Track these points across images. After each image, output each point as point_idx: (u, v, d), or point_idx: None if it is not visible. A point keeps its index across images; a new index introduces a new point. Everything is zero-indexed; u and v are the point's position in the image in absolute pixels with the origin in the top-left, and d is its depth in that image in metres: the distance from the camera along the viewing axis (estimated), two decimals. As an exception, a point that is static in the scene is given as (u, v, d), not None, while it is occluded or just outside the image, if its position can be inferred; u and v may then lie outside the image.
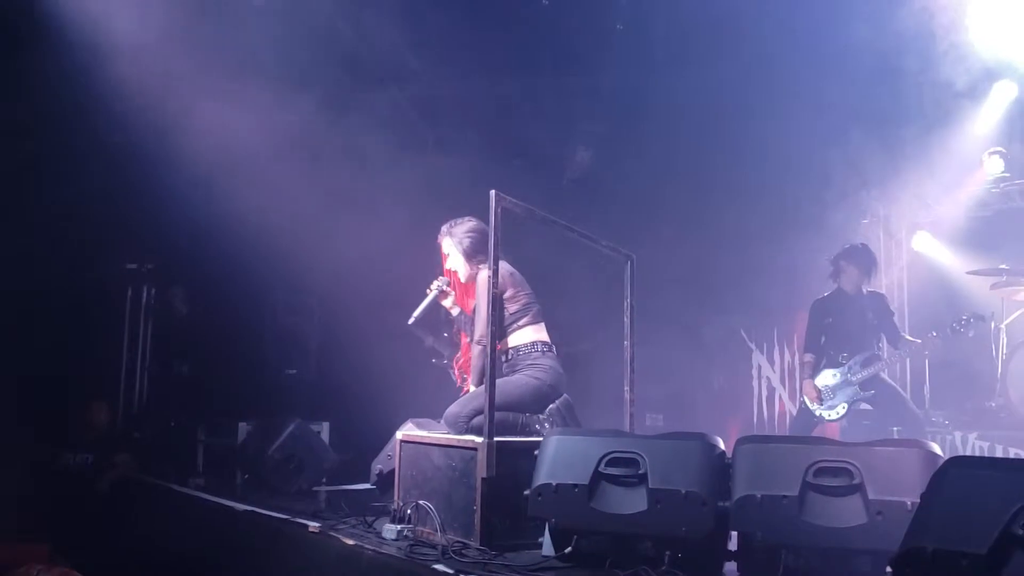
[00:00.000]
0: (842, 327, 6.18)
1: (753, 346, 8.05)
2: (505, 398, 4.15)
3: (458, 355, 4.91)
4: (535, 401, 4.38)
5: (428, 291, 4.73)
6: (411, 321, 4.65)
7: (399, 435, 4.30)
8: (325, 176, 7.27)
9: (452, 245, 4.69)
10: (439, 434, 4.22)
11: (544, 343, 4.47)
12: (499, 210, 3.85)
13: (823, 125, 7.04)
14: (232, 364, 7.89)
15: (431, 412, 4.66)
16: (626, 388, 4.62)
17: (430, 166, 7.85)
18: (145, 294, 8.62)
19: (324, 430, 6.71)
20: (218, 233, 7.56)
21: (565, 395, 4.59)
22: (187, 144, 6.84)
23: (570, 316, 7.90)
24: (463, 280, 4.71)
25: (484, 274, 4.19)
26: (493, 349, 3.79)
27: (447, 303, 4.80)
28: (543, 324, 4.53)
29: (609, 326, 7.85)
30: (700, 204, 7.90)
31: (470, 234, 4.64)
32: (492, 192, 3.85)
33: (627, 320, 4.66)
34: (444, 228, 4.74)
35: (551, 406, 4.42)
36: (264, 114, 6.94)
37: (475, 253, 4.62)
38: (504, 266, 4.35)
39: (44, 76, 6.49)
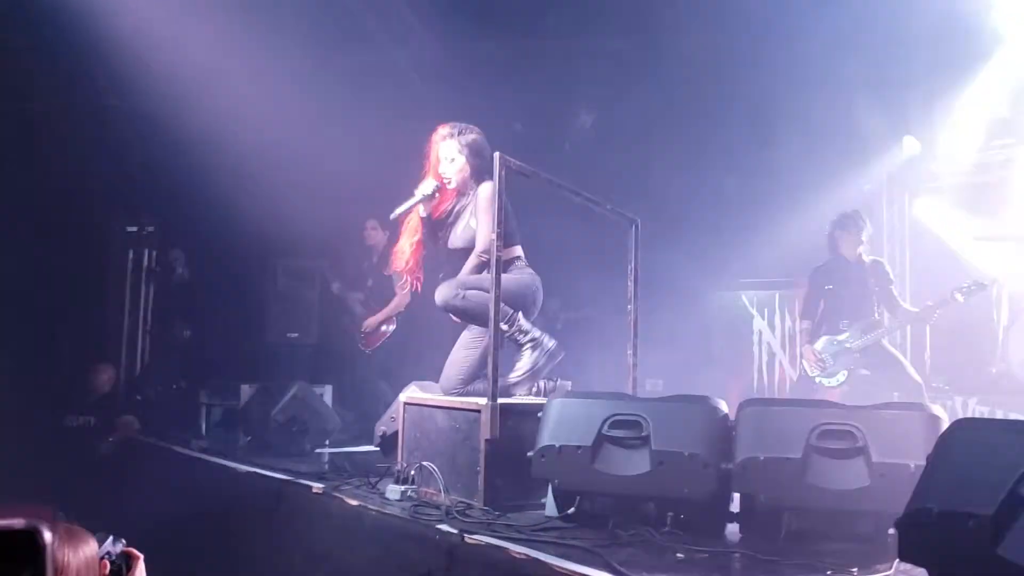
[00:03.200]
0: (842, 294, 6.17)
1: (754, 312, 8.04)
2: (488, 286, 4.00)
3: (405, 257, 4.52)
4: (520, 297, 4.26)
5: (418, 189, 4.38)
6: (395, 215, 4.37)
7: (402, 397, 4.30)
8: (328, 140, 7.22)
9: (456, 149, 4.37)
10: (440, 396, 4.22)
11: (521, 257, 4.39)
12: (503, 172, 3.82)
13: (826, 92, 6.98)
14: (234, 327, 7.91)
15: (434, 375, 4.65)
16: (629, 352, 4.62)
17: (431, 130, 7.79)
18: (146, 257, 8.64)
19: (327, 392, 6.72)
20: (219, 196, 7.53)
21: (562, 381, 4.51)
22: (187, 106, 6.79)
23: (572, 281, 7.91)
24: (452, 185, 4.41)
25: (489, 188, 4.02)
26: (497, 313, 3.77)
27: (428, 204, 4.41)
28: None
29: (610, 292, 7.87)
30: (703, 170, 7.85)
31: (478, 143, 4.37)
32: (496, 154, 3.83)
33: (631, 284, 4.65)
34: (447, 129, 4.41)
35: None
36: (265, 77, 6.89)
37: (476, 165, 4.36)
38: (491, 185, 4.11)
39: (42, 37, 6.43)
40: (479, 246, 4.25)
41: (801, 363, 6.34)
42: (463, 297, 4.10)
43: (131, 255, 8.70)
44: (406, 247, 4.48)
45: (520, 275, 4.30)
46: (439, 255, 4.50)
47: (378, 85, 7.53)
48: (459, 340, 4.45)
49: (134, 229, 8.67)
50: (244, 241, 7.97)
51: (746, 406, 3.36)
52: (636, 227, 4.69)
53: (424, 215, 4.43)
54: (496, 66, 7.74)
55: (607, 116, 8.33)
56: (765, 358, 7.97)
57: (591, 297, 8.32)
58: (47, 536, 1.44)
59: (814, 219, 6.69)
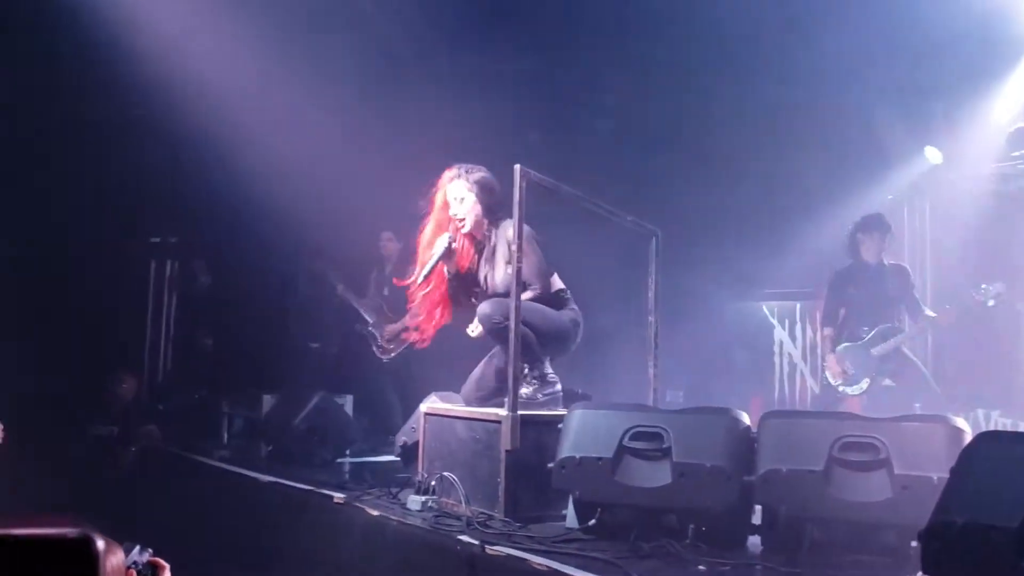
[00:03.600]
0: (863, 299, 6.09)
1: (776, 322, 8.02)
2: (538, 323, 4.11)
3: (422, 314, 4.55)
4: (559, 342, 4.31)
5: (432, 251, 4.35)
6: (420, 283, 4.34)
7: (423, 408, 4.33)
8: (346, 148, 7.27)
9: (463, 189, 4.35)
10: (462, 407, 4.24)
11: (565, 290, 4.41)
12: (524, 184, 3.84)
13: (848, 101, 6.97)
14: (256, 336, 7.96)
15: (455, 386, 4.67)
16: (650, 363, 4.63)
17: (447, 140, 7.84)
18: (169, 267, 8.71)
19: (348, 403, 6.75)
20: (241, 206, 7.59)
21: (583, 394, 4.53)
22: (208, 116, 6.85)
23: (590, 291, 7.90)
24: (466, 228, 4.37)
25: (511, 227, 4.02)
26: (518, 327, 3.79)
27: (450, 264, 4.41)
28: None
29: (629, 302, 7.86)
30: (724, 180, 7.83)
31: (489, 183, 4.36)
32: (517, 167, 3.84)
33: (651, 295, 4.66)
34: (454, 171, 4.40)
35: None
36: (284, 86, 6.95)
37: (489, 205, 4.35)
38: (528, 228, 4.20)
39: (67, 46, 6.51)
40: (530, 281, 4.23)
41: (824, 372, 6.28)
42: (503, 326, 3.98)
43: (154, 266, 8.77)
44: (423, 306, 4.50)
45: (562, 315, 4.32)
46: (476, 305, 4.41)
47: (394, 95, 7.57)
48: (487, 358, 4.48)
49: (157, 240, 8.74)
50: (265, 250, 8.02)
51: (768, 418, 3.36)
52: (656, 239, 4.71)
53: (451, 274, 4.43)
54: (509, 76, 7.77)
55: (625, 125, 8.34)
56: (786, 369, 7.94)
57: (611, 308, 8.32)
58: (100, 545, 1.46)
59: (836, 229, 6.66)
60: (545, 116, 8.00)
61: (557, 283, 4.41)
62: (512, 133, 7.73)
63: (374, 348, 7.26)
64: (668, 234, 4.85)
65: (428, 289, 4.43)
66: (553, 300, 4.31)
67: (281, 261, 8.19)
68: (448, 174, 4.41)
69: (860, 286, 6.14)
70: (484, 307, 4.14)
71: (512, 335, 3.72)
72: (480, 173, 4.40)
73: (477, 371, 4.46)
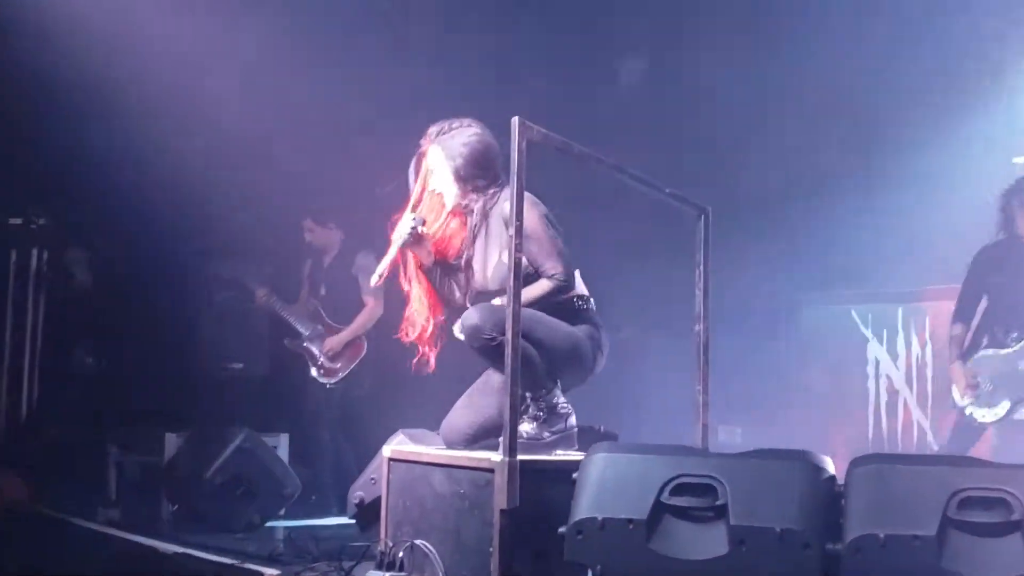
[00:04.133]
0: (1015, 290, 6.03)
1: (869, 333, 8.02)
2: (543, 337, 4.14)
3: (418, 324, 4.59)
4: (572, 362, 4.34)
5: (396, 233, 4.40)
6: (375, 282, 4.41)
7: (386, 451, 4.32)
8: (284, 97, 7.27)
9: (441, 158, 4.47)
10: (441, 450, 4.23)
11: (587, 296, 4.45)
12: (524, 144, 3.83)
13: (967, 31, 7.00)
14: (155, 355, 7.93)
15: (429, 420, 4.66)
16: (697, 388, 4.62)
17: (420, 82, 7.84)
18: (35, 259, 8.64)
19: (282, 444, 6.74)
20: (134, 181, 7.58)
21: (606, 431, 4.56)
22: (89, 55, 6.85)
23: (614, 290, 7.92)
24: (448, 206, 4.49)
25: (534, 207, 4.18)
26: (516, 339, 3.78)
27: (419, 251, 4.47)
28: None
29: (668, 305, 7.86)
30: (796, 144, 7.85)
31: (469, 147, 4.45)
32: (515, 119, 3.83)
33: (699, 295, 4.65)
34: (432, 130, 4.51)
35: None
36: (194, 38, 6.98)
37: (472, 176, 4.45)
38: (531, 196, 4.25)
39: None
40: (543, 265, 4.27)
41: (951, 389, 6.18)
42: (497, 342, 3.97)
43: (13, 256, 8.72)
44: (421, 311, 4.56)
45: (577, 330, 4.34)
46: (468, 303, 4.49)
47: (337, 33, 7.63)
48: (480, 381, 4.49)
49: (18, 221, 8.70)
50: (168, 240, 8.00)
51: (860, 464, 3.35)
52: (706, 218, 4.70)
53: (428, 263, 4.50)
54: (509, 4, 7.80)
55: (662, 68, 8.35)
56: (884, 397, 7.95)
57: (640, 312, 8.33)
58: None
59: (951, 208, 6.68)
60: (554, 56, 8.01)
61: (579, 286, 4.44)
62: (509, 78, 7.74)
63: (312, 369, 7.28)
64: (720, 213, 4.84)
65: (411, 291, 4.54)
66: (567, 307, 4.33)
67: (188, 255, 8.17)
68: (429, 132, 4.52)
69: (1011, 271, 6.06)
70: (472, 315, 4.13)
71: (509, 349, 3.71)
72: (461, 134, 4.47)
73: (464, 400, 4.46)
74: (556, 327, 4.24)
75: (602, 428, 4.52)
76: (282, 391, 7.68)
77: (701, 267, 4.68)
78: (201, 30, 7.01)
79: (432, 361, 4.57)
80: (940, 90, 7.22)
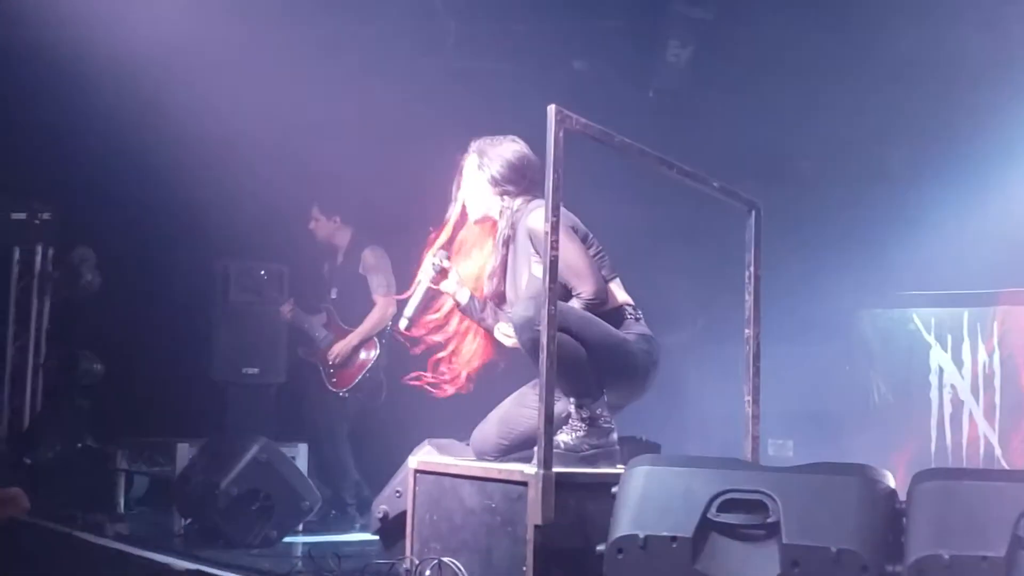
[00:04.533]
0: None
1: (932, 339, 7.97)
2: (591, 338, 4.14)
3: (444, 354, 4.74)
4: (628, 376, 4.34)
5: (418, 279, 4.62)
6: (404, 325, 4.59)
7: (412, 463, 4.33)
8: (305, 91, 7.31)
9: (474, 167, 4.64)
10: (471, 461, 4.23)
11: (632, 306, 4.48)
12: (561, 133, 3.83)
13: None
14: (166, 360, 7.97)
15: (458, 429, 4.67)
16: (747, 398, 4.60)
17: (454, 73, 7.87)
18: (39, 257, 8.72)
19: (300, 454, 6.77)
20: (145, 174, 7.63)
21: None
22: (102, 41, 6.91)
23: (655, 293, 7.91)
24: (472, 216, 4.67)
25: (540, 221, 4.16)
26: (552, 343, 3.79)
27: (448, 287, 4.65)
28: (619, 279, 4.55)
29: (710, 309, 7.85)
30: (853, 133, 7.81)
31: (508, 155, 4.60)
32: (551, 107, 3.83)
33: (749, 298, 4.63)
34: (475, 142, 4.69)
35: None
36: (213, 31, 7.04)
37: (505, 179, 4.58)
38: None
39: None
40: (582, 286, 4.30)
41: None
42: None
43: (17, 253, 8.79)
44: (475, 350, 4.71)
45: (631, 339, 4.34)
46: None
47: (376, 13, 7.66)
48: (517, 393, 4.53)
49: (22, 216, 8.77)
50: (181, 238, 8.06)
51: (923, 479, 3.33)
52: (757, 214, 4.68)
53: (465, 300, 4.64)
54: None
55: (711, 50, 8.33)
56: (948, 408, 7.90)
57: (685, 315, 8.32)
58: None
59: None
60: (594, 35, 8.01)
61: (619, 294, 4.46)
62: (548, 60, 7.76)
63: (324, 379, 7.33)
64: (772, 207, 4.83)
65: (435, 332, 4.70)
66: (613, 318, 4.34)
67: (201, 254, 8.22)
68: (471, 145, 4.70)
69: None
70: (521, 308, 4.16)
71: (543, 353, 3.72)
72: (501, 146, 4.63)
73: (499, 410, 4.49)
74: (609, 332, 4.25)
75: (644, 439, 4.51)
76: (301, 398, 7.71)
77: (751, 267, 4.66)
78: (212, 22, 7.07)
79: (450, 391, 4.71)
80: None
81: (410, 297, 4.62)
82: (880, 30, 7.39)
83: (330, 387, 7.29)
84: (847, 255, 7.69)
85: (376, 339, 7.32)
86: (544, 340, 3.74)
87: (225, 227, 7.98)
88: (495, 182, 4.57)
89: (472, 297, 4.65)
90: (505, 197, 4.57)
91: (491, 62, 8.01)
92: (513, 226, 4.54)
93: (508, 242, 4.56)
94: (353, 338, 7.30)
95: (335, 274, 7.59)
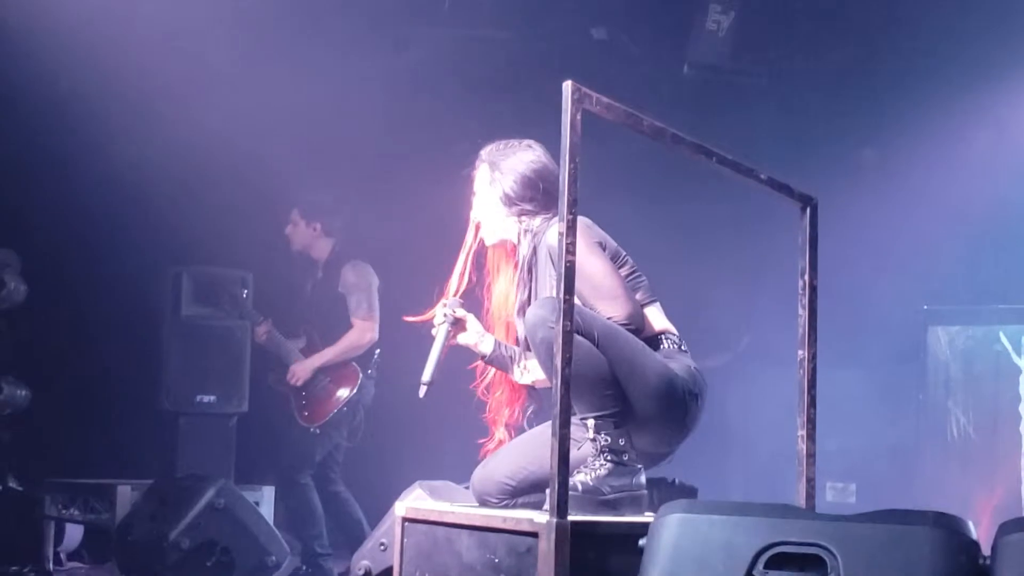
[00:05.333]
0: None
1: (1022, 362, 7.98)
2: (619, 354, 4.14)
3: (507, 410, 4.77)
4: (667, 409, 4.33)
5: (434, 328, 4.60)
6: (425, 386, 4.52)
7: (400, 509, 4.33)
8: (266, 74, 7.35)
9: (485, 181, 4.66)
10: (470, 507, 4.23)
11: (676, 335, 4.49)
12: (579, 115, 3.84)
13: None
14: (105, 385, 7.97)
15: (453, 470, 4.67)
16: (800, 433, 4.59)
17: (451, 43, 7.90)
18: (-49, 263, 8.73)
19: (266, 499, 6.76)
20: (79, 166, 7.64)
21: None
22: (35, 29, 6.97)
23: (693, 308, 7.92)
24: (488, 241, 4.71)
25: (585, 239, 4.20)
26: (567, 363, 3.79)
27: (468, 339, 4.65)
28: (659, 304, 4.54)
29: (761, 325, 7.85)
30: (920, 119, 7.83)
31: (522, 168, 4.60)
32: (567, 83, 3.83)
33: (803, 312, 4.62)
34: (485, 151, 4.70)
35: None
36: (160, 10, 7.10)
37: (521, 197, 4.58)
38: (582, 219, 4.30)
39: None
40: (590, 303, 4.31)
41: None
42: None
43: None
44: (507, 396, 4.75)
45: (670, 366, 4.34)
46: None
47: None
48: (528, 433, 4.56)
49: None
50: (125, 242, 8.06)
51: (1011, 530, 3.33)
52: (812, 211, 4.67)
53: (488, 349, 4.65)
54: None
55: (753, 17, 8.35)
56: (1041, 447, 7.92)
57: (728, 334, 8.32)
58: None
59: None
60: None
61: (658, 321, 4.48)
62: (566, 28, 7.78)
63: (295, 412, 7.34)
64: (829, 203, 4.82)
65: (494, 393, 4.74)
66: (651, 346, 4.36)
67: (150, 261, 8.22)
68: (482, 153, 4.72)
69: None
70: (536, 306, 4.18)
71: (557, 378, 3.71)
72: (516, 156, 4.63)
73: (506, 447, 4.52)
74: (646, 352, 4.24)
75: (677, 481, 4.50)
76: (267, 432, 7.70)
77: (805, 276, 4.64)
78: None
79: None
80: None
81: (432, 353, 4.54)
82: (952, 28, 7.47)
83: (301, 421, 7.29)
84: (919, 260, 7.70)
85: (359, 370, 7.31)
86: (559, 362, 3.73)
87: (178, 228, 7.98)
88: (509, 201, 4.58)
89: (498, 344, 4.65)
90: (523, 218, 4.58)
91: (493, 30, 8.01)
92: (535, 249, 4.54)
93: (532, 268, 4.56)
94: (316, 359, 7.30)
95: (314, 292, 7.60)
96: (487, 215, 4.65)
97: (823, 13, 7.91)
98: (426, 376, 4.48)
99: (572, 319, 3.74)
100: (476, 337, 4.62)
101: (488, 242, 4.69)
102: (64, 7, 6.95)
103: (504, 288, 4.73)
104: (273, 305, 7.90)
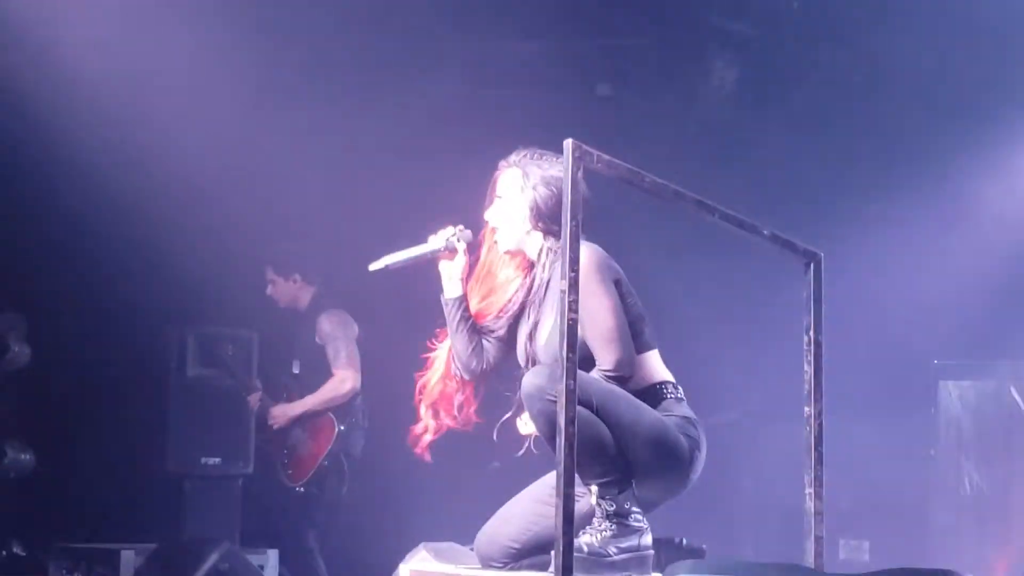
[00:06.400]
0: None
1: (1035, 415, 7.95)
2: (622, 418, 4.12)
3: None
4: (665, 462, 4.30)
5: (433, 236, 4.53)
6: (374, 265, 4.47)
7: (405, 571, 4.30)
8: (276, 126, 7.37)
9: (516, 187, 4.53)
10: (475, 570, 4.20)
11: (672, 383, 4.46)
12: (580, 173, 3.83)
13: None
14: (109, 448, 7.95)
15: (459, 530, 4.65)
16: (808, 491, 4.56)
17: (454, 98, 7.91)
18: (-43, 328, 8.73)
19: (270, 563, 6.73)
20: (85, 224, 7.65)
21: None
22: (36, 78, 7.00)
23: (695, 364, 7.88)
24: (503, 247, 4.61)
25: (593, 258, 4.19)
26: (572, 422, 3.77)
27: (445, 270, 4.58)
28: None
29: (767, 382, 7.83)
30: (932, 160, 7.84)
31: (554, 184, 4.47)
32: (568, 142, 3.83)
33: (808, 368, 4.60)
34: (517, 156, 4.58)
35: None
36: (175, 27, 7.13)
37: (550, 213, 4.45)
38: (601, 253, 4.32)
39: None
40: (606, 357, 4.25)
41: None
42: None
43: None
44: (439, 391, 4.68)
45: (668, 419, 4.32)
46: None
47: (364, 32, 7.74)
48: (535, 486, 4.48)
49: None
50: (128, 300, 8.06)
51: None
52: (816, 267, 4.67)
53: (448, 297, 4.59)
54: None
55: (760, 73, 8.38)
56: (1062, 501, 7.86)
57: (732, 391, 8.30)
58: None
59: None
60: (623, 56, 8.07)
61: (656, 369, 4.44)
62: (570, 83, 7.80)
63: (280, 472, 7.34)
64: (835, 259, 4.81)
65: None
66: (647, 398, 4.32)
67: (154, 321, 8.22)
68: (512, 157, 4.60)
69: None
70: (531, 375, 4.15)
71: (561, 437, 3.69)
72: (549, 168, 4.50)
73: (509, 506, 4.46)
74: (640, 408, 4.20)
75: (684, 541, 4.47)
76: (270, 495, 7.67)
77: (810, 331, 4.62)
78: (166, 56, 7.19)
79: (424, 444, 4.64)
80: None
81: (405, 250, 4.50)
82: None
83: (285, 481, 7.27)
84: (929, 314, 7.68)
85: (335, 421, 7.27)
86: (562, 421, 3.71)
87: (181, 289, 7.98)
88: (538, 214, 4.48)
89: (461, 301, 4.58)
90: (550, 238, 4.48)
91: (497, 88, 8.04)
92: (550, 269, 4.48)
93: (545, 287, 4.50)
94: (296, 406, 7.29)
95: (298, 344, 7.59)
96: (509, 222, 4.55)
97: (828, 67, 7.93)
98: (390, 259, 4.45)
99: (575, 377, 3.73)
100: (452, 276, 4.54)
101: (502, 248, 4.58)
102: (70, 68, 6.99)
103: (491, 287, 4.69)
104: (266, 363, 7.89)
